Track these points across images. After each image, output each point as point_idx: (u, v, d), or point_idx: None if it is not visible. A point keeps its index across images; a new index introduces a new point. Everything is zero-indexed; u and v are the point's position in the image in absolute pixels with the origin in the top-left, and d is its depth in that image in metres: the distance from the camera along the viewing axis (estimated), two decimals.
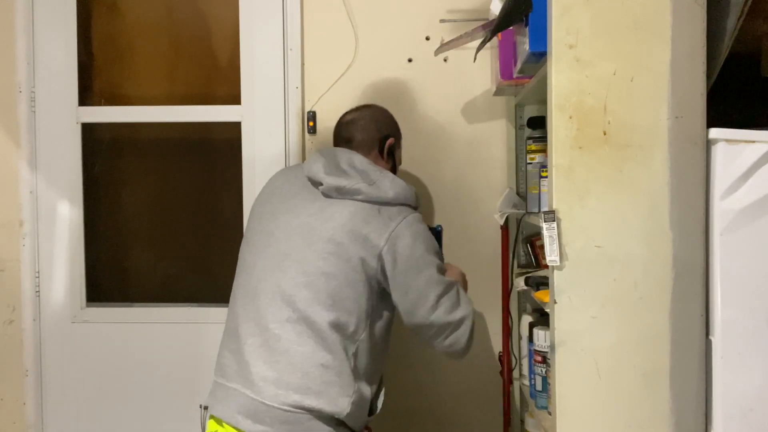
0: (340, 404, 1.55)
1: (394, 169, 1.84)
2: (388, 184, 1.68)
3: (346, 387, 1.56)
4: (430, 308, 1.61)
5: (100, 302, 2.34)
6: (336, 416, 1.56)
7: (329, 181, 1.66)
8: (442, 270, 1.67)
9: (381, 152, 1.81)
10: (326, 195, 1.68)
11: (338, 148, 1.78)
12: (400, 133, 1.90)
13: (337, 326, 1.57)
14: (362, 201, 1.65)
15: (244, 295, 1.66)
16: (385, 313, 1.68)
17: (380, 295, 1.64)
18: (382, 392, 1.72)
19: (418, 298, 1.61)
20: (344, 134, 1.82)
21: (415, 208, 1.74)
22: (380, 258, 1.60)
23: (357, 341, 1.60)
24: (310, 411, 1.53)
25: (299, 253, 1.62)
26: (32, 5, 2.27)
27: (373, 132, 1.81)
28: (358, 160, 1.72)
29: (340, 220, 1.62)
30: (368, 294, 1.61)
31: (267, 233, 1.69)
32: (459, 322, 1.63)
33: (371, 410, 1.67)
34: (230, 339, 1.66)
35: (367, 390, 1.62)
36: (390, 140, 1.82)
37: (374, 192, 1.65)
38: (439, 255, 1.70)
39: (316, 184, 1.70)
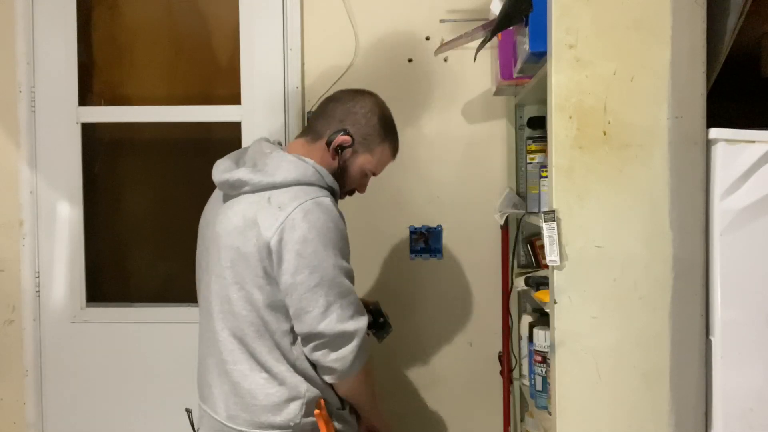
0: (290, 411, 1.48)
1: (342, 173, 1.59)
2: (275, 164, 1.46)
3: (292, 391, 1.48)
4: (319, 315, 1.41)
5: (100, 302, 2.34)
6: (291, 423, 1.48)
7: (218, 177, 1.53)
8: (342, 270, 1.44)
9: (329, 145, 1.56)
10: (227, 196, 1.53)
11: (259, 142, 1.60)
12: (377, 144, 1.60)
13: (260, 334, 1.46)
14: (251, 192, 1.47)
15: (200, 313, 1.61)
16: None
17: None
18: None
19: (306, 301, 1.42)
20: (310, 120, 1.64)
21: (327, 188, 1.50)
22: (269, 251, 1.42)
23: (288, 341, 1.48)
24: (263, 427, 1.48)
25: (215, 265, 1.51)
26: (32, 5, 2.27)
27: (332, 122, 1.57)
28: (266, 146, 1.53)
29: (235, 220, 1.47)
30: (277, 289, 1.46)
31: (202, 248, 1.61)
32: (351, 336, 1.43)
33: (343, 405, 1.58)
34: (199, 359, 1.62)
35: (315, 387, 1.51)
36: (342, 137, 1.55)
37: (258, 178, 1.46)
38: (343, 251, 1.46)
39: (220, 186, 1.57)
